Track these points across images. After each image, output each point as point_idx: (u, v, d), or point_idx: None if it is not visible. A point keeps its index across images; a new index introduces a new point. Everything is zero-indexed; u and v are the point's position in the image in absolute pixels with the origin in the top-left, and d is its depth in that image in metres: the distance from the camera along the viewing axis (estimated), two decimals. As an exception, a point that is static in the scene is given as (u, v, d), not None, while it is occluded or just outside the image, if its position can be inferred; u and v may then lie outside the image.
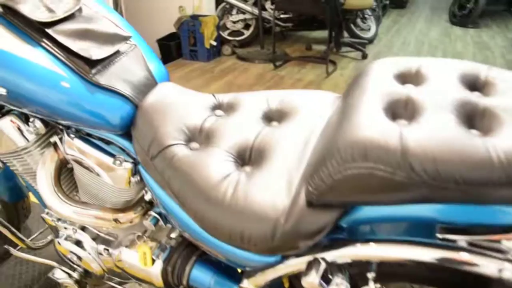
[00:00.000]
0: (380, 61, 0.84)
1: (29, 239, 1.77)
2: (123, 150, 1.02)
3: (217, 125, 0.93)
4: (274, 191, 0.76)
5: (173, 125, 0.92)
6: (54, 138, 1.08)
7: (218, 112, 0.99)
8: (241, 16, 4.87)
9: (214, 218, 0.79)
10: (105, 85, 0.94)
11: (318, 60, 4.33)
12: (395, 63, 0.82)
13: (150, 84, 1.02)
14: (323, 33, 5.36)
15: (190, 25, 4.40)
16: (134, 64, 1.02)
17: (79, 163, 1.06)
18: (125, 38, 1.02)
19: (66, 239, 1.27)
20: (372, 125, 0.65)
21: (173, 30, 4.61)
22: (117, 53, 1.00)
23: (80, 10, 1.02)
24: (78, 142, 1.02)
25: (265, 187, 0.77)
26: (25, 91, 0.92)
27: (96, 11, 1.05)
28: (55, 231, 1.38)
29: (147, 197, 1.05)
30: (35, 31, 0.93)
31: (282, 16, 4.76)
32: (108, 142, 1.03)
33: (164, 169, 0.87)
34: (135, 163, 1.00)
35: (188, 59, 4.58)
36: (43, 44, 0.92)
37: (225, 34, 4.93)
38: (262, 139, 0.88)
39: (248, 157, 0.87)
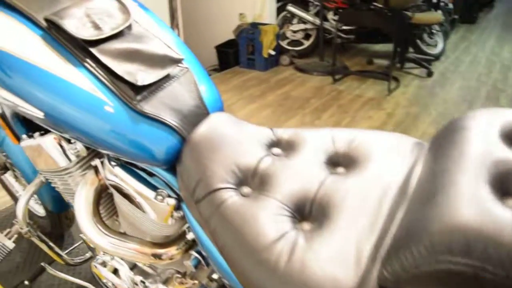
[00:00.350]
0: (481, 112, 0.68)
1: (69, 249, 1.73)
2: (166, 183, 0.92)
3: (274, 168, 0.81)
4: (338, 264, 0.63)
5: (223, 164, 0.81)
6: (96, 162, 1.00)
7: (276, 150, 0.86)
8: (302, 26, 4.74)
9: (263, 286, 0.67)
10: (150, 114, 0.84)
11: (380, 76, 4.12)
12: (502, 116, 0.65)
13: (201, 113, 0.91)
14: (385, 47, 5.15)
15: (249, 33, 4.33)
16: (184, 90, 0.91)
17: (119, 191, 0.98)
18: (177, 61, 0.92)
19: (102, 264, 1.20)
20: (477, 208, 0.50)
21: (232, 37, 4.56)
22: (166, 77, 0.90)
23: (129, 27, 0.93)
24: (119, 171, 0.93)
25: (328, 257, 0.64)
26: (62, 115, 0.84)
27: (147, 29, 0.96)
28: (94, 251, 1.31)
29: (189, 236, 0.95)
30: (79, 49, 0.85)
31: (344, 27, 4.59)
32: (151, 174, 0.94)
33: (210, 217, 0.76)
34: (179, 199, 0.90)
35: (245, 67, 4.51)
36: (86, 64, 0.84)
37: (284, 44, 4.82)
38: (326, 190, 0.74)
39: (308, 212, 0.74)
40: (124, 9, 0.93)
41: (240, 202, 0.75)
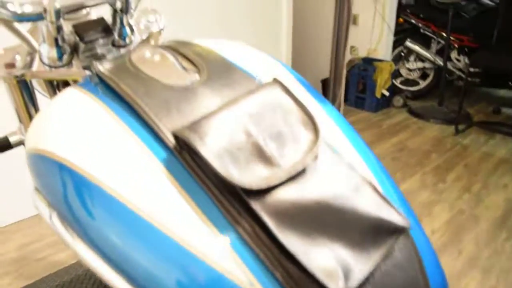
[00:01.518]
0: None
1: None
2: None
3: None
4: None
5: None
6: None
7: None
8: (420, 64, 4.24)
9: None
10: None
11: (514, 132, 3.52)
12: None
13: None
14: (510, 93, 4.51)
15: (361, 69, 3.92)
16: (403, 277, 0.52)
17: None
18: (400, 231, 0.54)
19: None
20: None
21: (341, 71, 4.18)
22: None
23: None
24: None
25: None
26: None
27: (340, 153, 0.58)
28: None
29: None
30: (229, 199, 0.49)
31: (470, 69, 4.02)
32: None
33: None
34: None
35: (352, 106, 4.10)
36: (240, 231, 0.48)
37: (397, 82, 4.34)
38: None
39: None
40: (306, 118, 0.55)
41: None
